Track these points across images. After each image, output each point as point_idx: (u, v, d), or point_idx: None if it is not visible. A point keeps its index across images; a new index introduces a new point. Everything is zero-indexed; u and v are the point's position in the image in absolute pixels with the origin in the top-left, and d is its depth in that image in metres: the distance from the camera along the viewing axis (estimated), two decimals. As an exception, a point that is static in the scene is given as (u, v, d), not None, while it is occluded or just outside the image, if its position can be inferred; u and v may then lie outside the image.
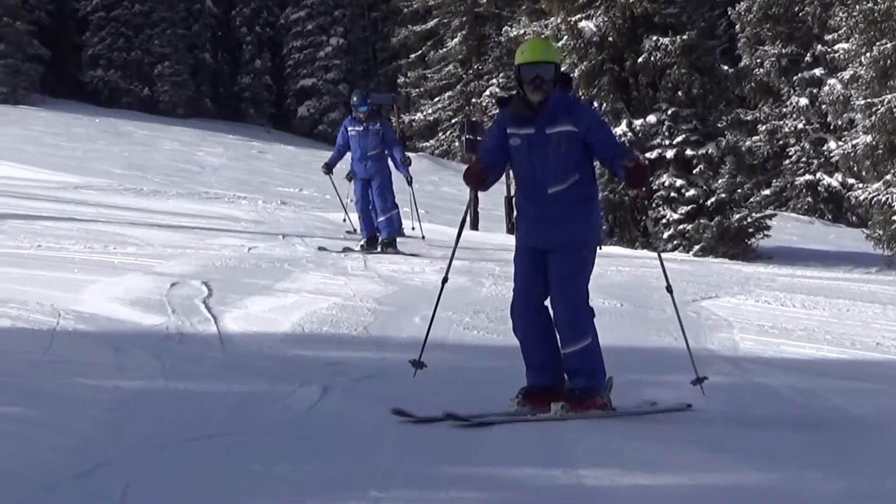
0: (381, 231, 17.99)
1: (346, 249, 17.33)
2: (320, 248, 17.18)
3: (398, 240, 18.32)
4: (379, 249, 17.68)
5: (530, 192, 7.68)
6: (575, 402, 7.52)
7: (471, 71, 50.89)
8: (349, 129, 17.97)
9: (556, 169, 7.53)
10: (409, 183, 19.69)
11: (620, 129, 24.51)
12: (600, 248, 7.79)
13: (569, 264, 7.57)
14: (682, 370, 7.41)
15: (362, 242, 17.91)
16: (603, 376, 7.65)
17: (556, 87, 7.56)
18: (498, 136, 7.73)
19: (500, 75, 48.10)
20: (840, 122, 36.37)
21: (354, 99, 18.19)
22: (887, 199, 25.17)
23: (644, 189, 8.35)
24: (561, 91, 7.62)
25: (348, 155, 18.18)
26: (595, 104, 24.75)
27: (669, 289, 8.15)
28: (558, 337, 7.62)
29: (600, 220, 8.02)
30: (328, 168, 18.52)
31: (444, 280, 8.19)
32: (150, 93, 57.38)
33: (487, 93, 47.79)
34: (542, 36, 26.88)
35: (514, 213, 8.03)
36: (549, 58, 7.59)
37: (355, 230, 19.37)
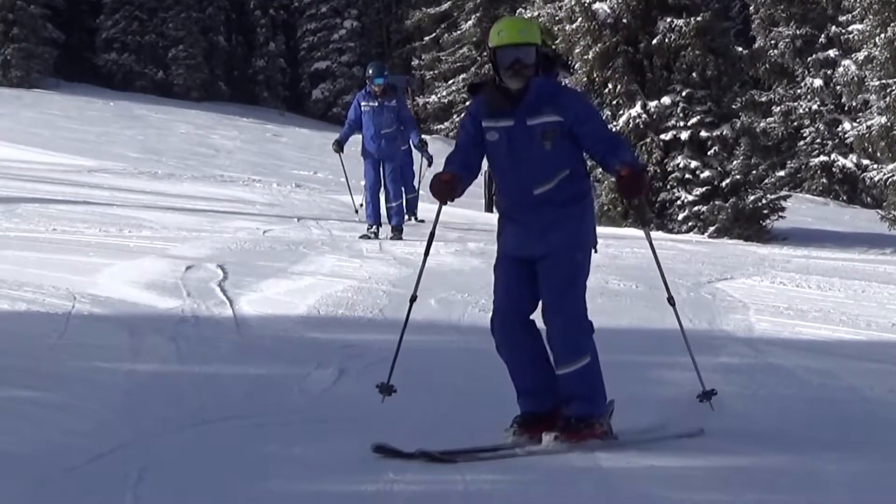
0: (391, 218, 16.93)
1: (365, 237, 16.34)
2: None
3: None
4: (395, 236, 16.71)
5: (513, 194, 6.72)
6: (571, 431, 6.46)
7: (485, 53, 50.69)
8: (362, 103, 16.71)
9: (542, 166, 6.56)
10: (429, 164, 18.63)
11: (635, 111, 24.48)
12: (595, 251, 6.78)
13: (563, 272, 6.58)
14: (697, 353, 7.38)
15: (373, 230, 16.63)
16: (603, 401, 6.63)
17: (537, 72, 6.56)
18: (472, 129, 6.70)
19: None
20: (854, 104, 36.21)
21: (370, 71, 16.84)
22: (902, 179, 25.20)
23: (639, 197, 7.18)
24: (544, 76, 6.61)
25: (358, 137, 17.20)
26: (610, 86, 24.72)
27: (671, 300, 7.24)
28: (552, 356, 6.63)
29: (595, 218, 7.03)
30: (339, 145, 17.25)
31: (413, 298, 7.23)
32: (165, 76, 57.36)
33: (501, 75, 47.69)
34: (556, 18, 26.85)
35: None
36: (529, 39, 6.54)
37: (356, 211, 18.73)
